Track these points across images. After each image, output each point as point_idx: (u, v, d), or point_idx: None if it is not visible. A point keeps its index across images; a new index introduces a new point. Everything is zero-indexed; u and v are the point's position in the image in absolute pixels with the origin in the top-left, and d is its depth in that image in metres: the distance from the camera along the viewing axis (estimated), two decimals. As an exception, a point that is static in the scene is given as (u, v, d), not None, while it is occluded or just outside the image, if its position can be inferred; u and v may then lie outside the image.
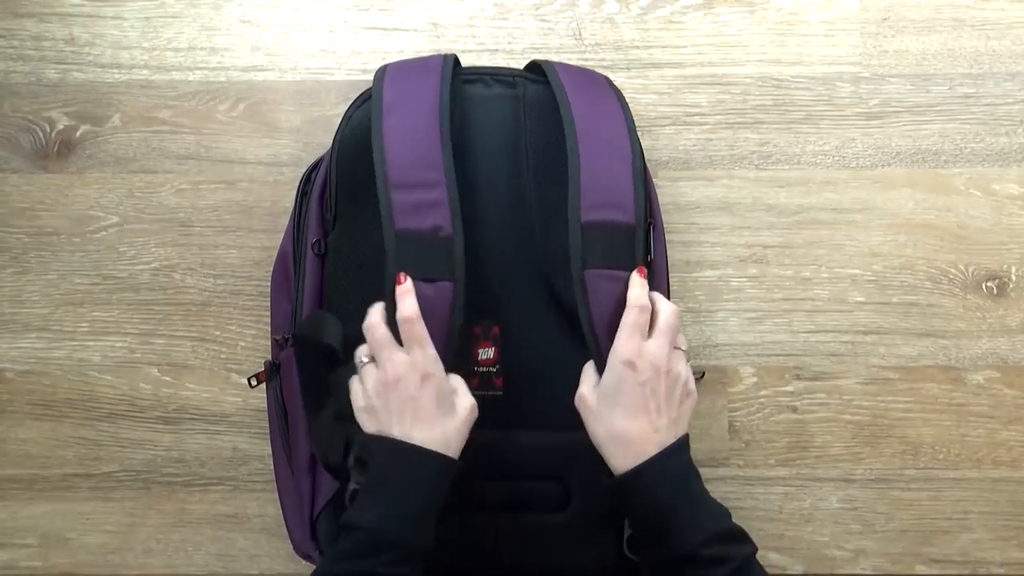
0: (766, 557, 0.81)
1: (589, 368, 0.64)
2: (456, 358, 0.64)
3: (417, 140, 0.65)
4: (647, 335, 0.62)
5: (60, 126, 0.85)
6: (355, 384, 0.63)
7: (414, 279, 0.62)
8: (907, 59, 0.85)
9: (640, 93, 0.85)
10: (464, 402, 0.63)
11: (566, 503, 0.70)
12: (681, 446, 0.62)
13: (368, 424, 0.62)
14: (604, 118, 0.69)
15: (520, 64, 0.79)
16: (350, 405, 0.63)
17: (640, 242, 0.65)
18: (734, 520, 0.61)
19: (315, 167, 0.77)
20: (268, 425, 0.80)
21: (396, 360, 0.61)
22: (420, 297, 0.62)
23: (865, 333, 0.84)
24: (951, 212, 0.84)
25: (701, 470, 0.64)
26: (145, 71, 0.86)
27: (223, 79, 0.85)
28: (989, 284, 0.84)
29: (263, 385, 0.78)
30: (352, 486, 0.63)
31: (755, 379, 0.84)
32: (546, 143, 0.70)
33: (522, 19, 0.86)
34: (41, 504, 0.84)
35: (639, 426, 0.60)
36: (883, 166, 0.85)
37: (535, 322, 0.69)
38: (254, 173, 0.85)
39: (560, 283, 0.69)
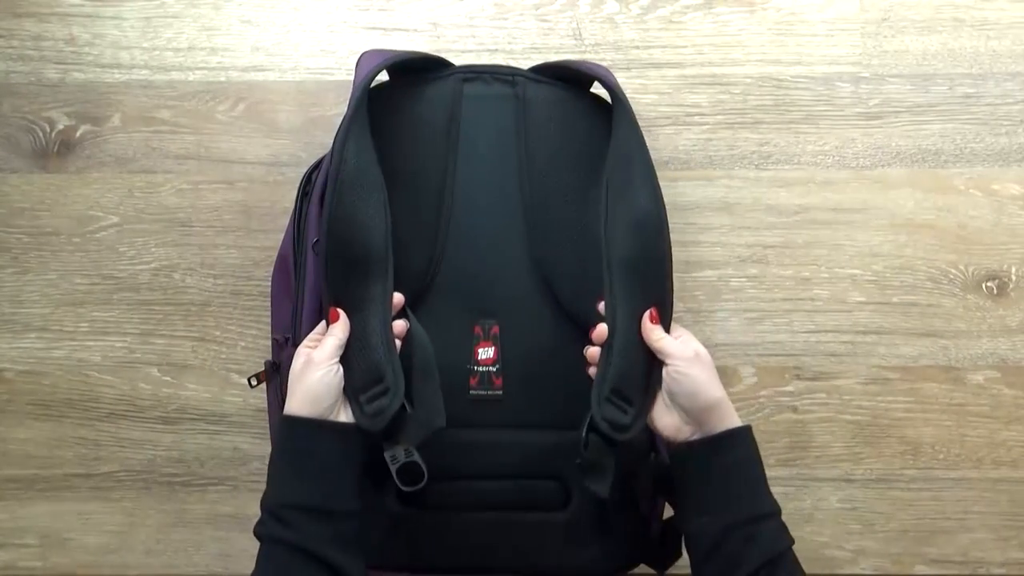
0: (766, 557, 0.82)
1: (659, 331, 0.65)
2: (454, 355, 0.66)
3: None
4: None
5: (60, 126, 0.85)
6: None
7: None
8: (907, 59, 0.85)
9: (640, 93, 0.85)
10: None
11: (566, 502, 0.70)
12: None
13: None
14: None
15: (520, 64, 0.78)
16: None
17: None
18: None
19: (315, 167, 0.77)
20: (268, 425, 0.80)
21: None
22: None
23: (865, 333, 0.84)
24: (951, 212, 0.84)
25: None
26: (145, 71, 0.86)
27: (223, 79, 0.85)
28: (989, 284, 0.84)
29: (263, 385, 0.78)
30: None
31: (755, 379, 0.84)
32: (544, 143, 0.71)
33: (522, 19, 0.86)
34: (41, 504, 0.84)
35: (724, 392, 0.63)
36: (883, 166, 0.85)
37: (535, 322, 0.69)
38: (254, 173, 0.85)
39: (560, 283, 0.69)
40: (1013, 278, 0.84)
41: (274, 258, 0.80)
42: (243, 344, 0.84)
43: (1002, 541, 0.84)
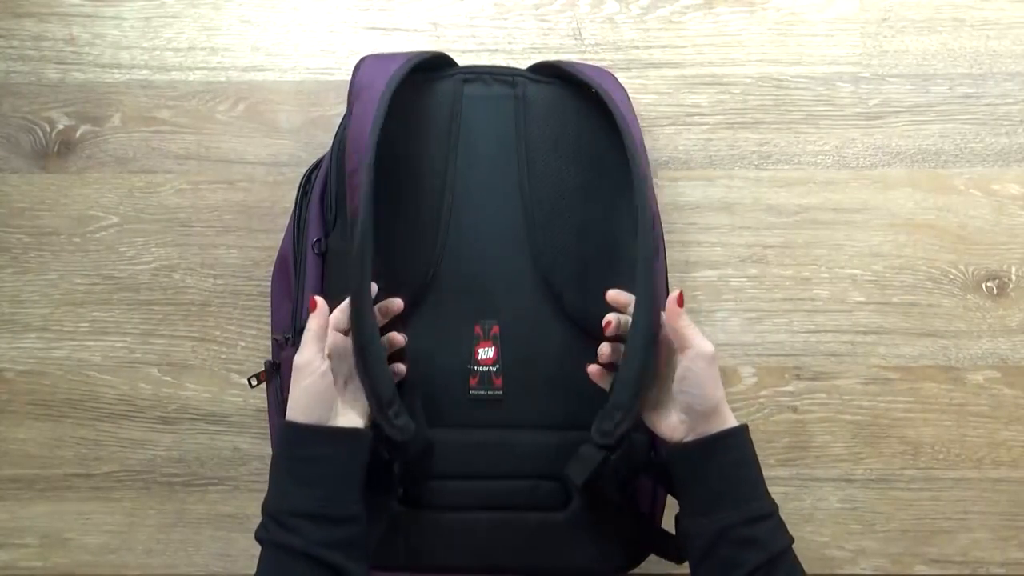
0: (766, 557, 0.82)
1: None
2: (454, 355, 0.67)
3: (365, 124, 0.65)
4: None
5: (60, 126, 0.85)
6: None
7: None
8: (907, 59, 0.85)
9: (640, 93, 0.85)
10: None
11: (566, 502, 0.70)
12: None
13: None
14: (636, 132, 0.71)
15: (520, 64, 0.79)
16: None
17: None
18: None
19: (315, 167, 0.77)
20: (268, 425, 0.80)
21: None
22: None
23: (865, 333, 0.84)
24: (951, 212, 0.84)
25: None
26: (145, 71, 0.86)
27: (223, 79, 0.86)
28: (989, 284, 0.84)
29: (263, 385, 0.78)
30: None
31: (755, 379, 0.84)
32: (544, 143, 0.71)
33: (522, 19, 0.86)
34: (41, 504, 0.84)
35: (723, 393, 0.63)
36: (883, 166, 0.85)
37: (535, 322, 0.69)
38: (254, 173, 0.85)
39: (561, 282, 0.69)
40: (1013, 278, 0.84)
41: (274, 258, 0.80)
42: (243, 344, 0.84)
43: (1002, 541, 0.84)
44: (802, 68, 0.85)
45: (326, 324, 0.63)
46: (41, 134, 0.85)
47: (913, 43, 0.85)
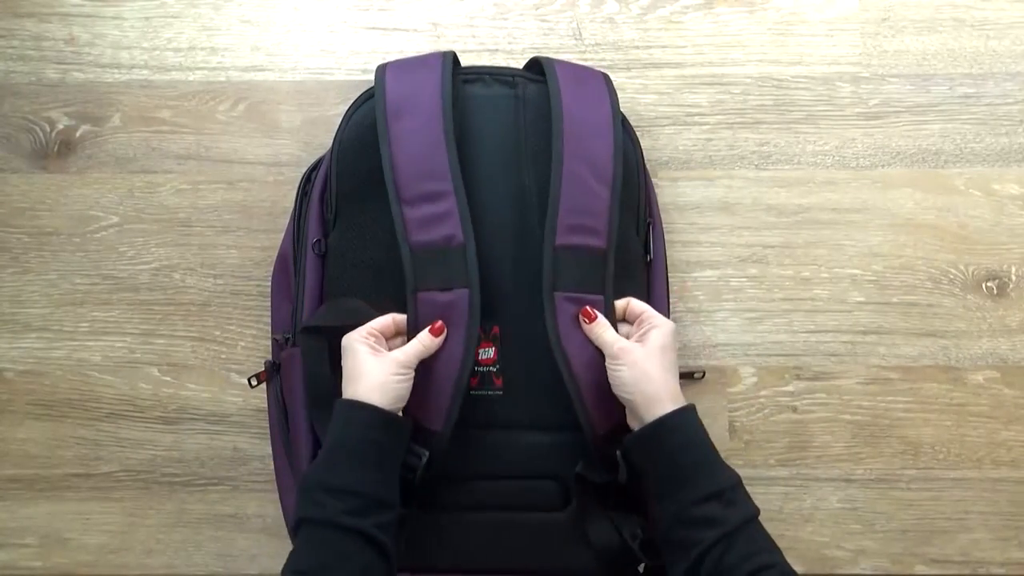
0: (766, 557, 0.81)
1: (604, 323, 0.66)
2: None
3: (423, 149, 0.67)
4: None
5: (60, 126, 0.85)
6: None
7: (430, 290, 0.65)
8: (907, 59, 0.85)
9: (640, 93, 0.85)
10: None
11: (566, 502, 0.70)
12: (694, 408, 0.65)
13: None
14: (595, 129, 0.69)
15: (520, 64, 0.79)
16: None
17: (611, 264, 0.68)
18: None
19: (315, 167, 0.77)
20: (268, 425, 0.80)
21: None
22: (438, 306, 0.65)
23: (865, 333, 0.84)
24: (951, 212, 0.84)
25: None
26: (145, 71, 0.86)
27: (223, 79, 0.85)
28: (989, 284, 0.84)
29: (263, 385, 0.78)
30: None
31: (755, 379, 0.84)
32: (545, 143, 0.71)
33: (522, 19, 0.86)
34: (41, 504, 0.84)
35: (671, 381, 0.64)
36: (883, 166, 0.85)
37: (535, 322, 0.69)
38: (254, 173, 0.85)
39: (562, 283, 0.69)
40: (1013, 278, 0.84)
41: (274, 258, 0.80)
42: (243, 344, 0.84)
43: (1002, 541, 0.84)
44: (802, 68, 0.85)
45: (430, 353, 0.65)
46: (41, 134, 0.85)
47: (913, 43, 0.85)
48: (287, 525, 0.77)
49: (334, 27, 0.86)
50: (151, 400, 0.84)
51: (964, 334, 0.84)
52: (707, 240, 0.84)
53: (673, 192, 0.84)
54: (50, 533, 0.84)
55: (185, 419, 0.84)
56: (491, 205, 0.70)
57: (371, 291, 0.70)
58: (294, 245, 0.77)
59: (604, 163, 0.68)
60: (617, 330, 0.67)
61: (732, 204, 0.85)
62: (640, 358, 0.64)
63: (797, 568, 0.60)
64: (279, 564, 0.59)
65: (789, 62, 0.85)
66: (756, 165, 0.85)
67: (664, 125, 0.85)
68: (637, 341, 0.66)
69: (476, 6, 0.86)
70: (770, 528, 0.61)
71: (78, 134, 0.85)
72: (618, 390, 0.65)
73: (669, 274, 0.79)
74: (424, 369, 0.65)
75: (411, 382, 0.64)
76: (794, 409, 0.84)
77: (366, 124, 0.70)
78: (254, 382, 0.76)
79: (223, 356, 0.84)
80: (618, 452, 0.66)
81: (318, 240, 0.74)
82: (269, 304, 0.80)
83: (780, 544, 0.61)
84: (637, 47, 0.85)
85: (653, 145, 0.85)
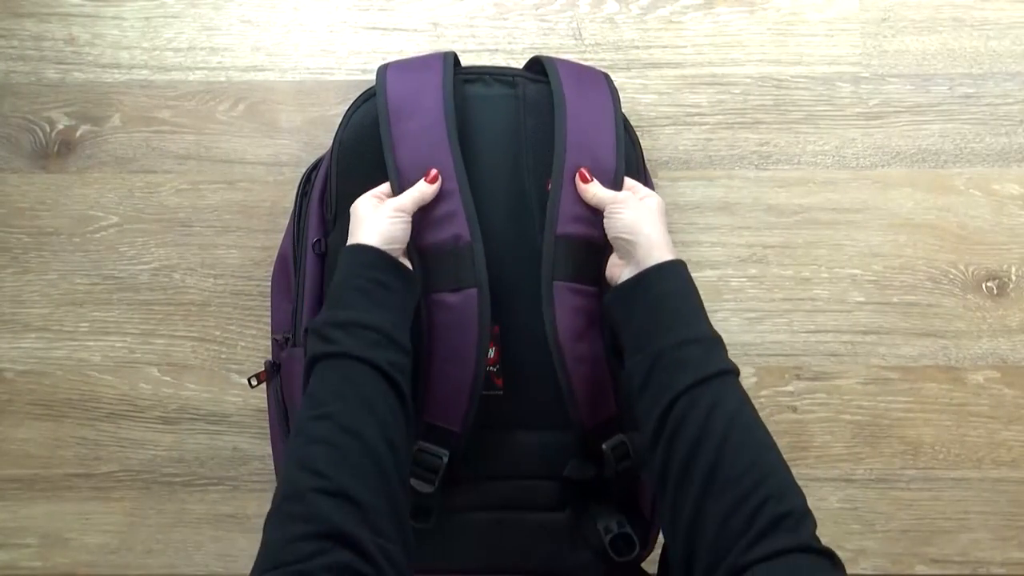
0: (766, 557, 0.81)
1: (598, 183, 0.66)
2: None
3: (427, 150, 0.67)
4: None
5: (60, 126, 0.85)
6: None
7: (440, 291, 0.65)
8: (907, 59, 0.85)
9: (640, 93, 0.85)
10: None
11: (566, 502, 0.70)
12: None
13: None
14: (597, 124, 0.69)
15: (520, 64, 0.79)
16: None
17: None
18: None
19: (315, 167, 0.77)
20: (268, 425, 0.80)
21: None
22: (447, 307, 0.65)
23: (865, 333, 0.84)
24: (951, 212, 0.84)
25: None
26: (145, 71, 0.86)
27: (223, 79, 0.86)
28: (989, 284, 0.84)
29: (263, 385, 0.78)
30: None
31: (755, 379, 0.84)
32: (546, 142, 0.71)
33: (522, 19, 0.86)
34: (41, 504, 0.84)
35: (667, 235, 0.64)
36: (883, 166, 0.85)
37: (535, 321, 0.69)
38: (254, 173, 0.85)
39: (562, 283, 0.69)
40: (1013, 278, 0.84)
41: (274, 258, 0.80)
42: (243, 344, 0.84)
43: (1002, 541, 0.84)
44: (802, 68, 0.85)
45: (427, 200, 0.65)
46: (41, 134, 0.85)
47: (913, 43, 0.85)
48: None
49: (334, 27, 0.86)
50: (151, 400, 0.84)
51: (964, 334, 0.84)
52: (707, 240, 0.84)
53: (673, 192, 0.84)
54: (50, 533, 0.84)
55: (185, 419, 0.84)
56: (491, 204, 0.70)
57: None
58: (294, 245, 0.77)
59: (607, 157, 0.68)
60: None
61: (732, 204, 0.85)
62: (639, 205, 0.65)
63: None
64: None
65: (789, 62, 0.85)
66: (756, 165, 0.85)
67: (664, 125, 0.85)
68: None
69: (476, 6, 0.86)
70: (770, 528, 0.61)
71: (78, 134, 0.85)
72: (618, 231, 0.64)
73: (669, 274, 0.79)
74: (439, 372, 0.65)
75: (408, 226, 0.64)
76: (794, 409, 0.84)
77: (366, 124, 0.70)
78: (254, 382, 0.76)
79: (223, 356, 0.84)
80: (604, 446, 0.66)
81: (318, 240, 0.74)
82: (269, 304, 0.80)
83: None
84: (637, 47, 0.85)
85: (653, 145, 0.85)
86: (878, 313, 0.84)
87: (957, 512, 0.84)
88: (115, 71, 0.86)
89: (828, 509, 0.83)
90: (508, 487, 0.70)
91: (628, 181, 0.68)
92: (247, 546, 0.83)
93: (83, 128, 0.85)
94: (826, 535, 0.83)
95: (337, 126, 0.74)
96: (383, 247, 0.62)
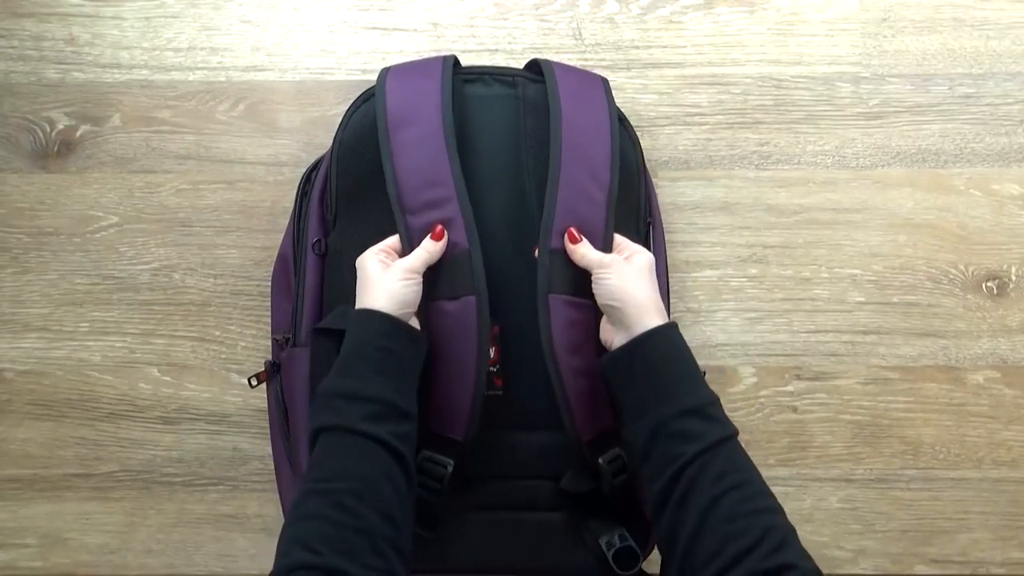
0: (766, 557, 0.81)
1: (588, 244, 0.66)
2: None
3: (426, 158, 0.66)
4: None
5: (60, 126, 0.85)
6: None
7: (438, 300, 0.65)
8: (907, 59, 0.85)
9: (640, 93, 0.85)
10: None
11: (564, 503, 0.70)
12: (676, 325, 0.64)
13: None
14: (592, 134, 0.69)
15: (520, 64, 0.78)
16: None
17: None
18: None
19: (315, 167, 0.77)
20: (268, 425, 0.80)
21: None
22: (445, 315, 0.65)
23: (865, 333, 0.84)
24: (951, 212, 0.84)
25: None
26: (145, 71, 0.86)
27: (223, 79, 0.85)
28: (989, 284, 0.84)
29: (263, 385, 0.78)
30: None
31: (755, 379, 0.84)
32: (546, 143, 0.71)
33: (522, 19, 0.86)
34: (41, 504, 0.84)
35: (656, 297, 0.64)
36: (883, 166, 0.85)
37: (535, 323, 0.69)
38: (254, 173, 0.85)
39: (562, 283, 0.69)
40: (1013, 278, 0.84)
41: (274, 258, 0.80)
42: (243, 344, 0.84)
43: (1002, 541, 0.84)
44: (802, 68, 0.85)
45: (436, 259, 0.65)
46: (41, 134, 0.85)
47: (913, 43, 0.85)
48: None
49: (334, 27, 0.86)
50: (151, 400, 0.84)
51: (964, 334, 0.84)
52: (707, 240, 0.84)
53: (673, 192, 0.85)
54: (50, 533, 0.84)
55: (185, 419, 0.84)
56: (491, 207, 0.70)
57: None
58: (294, 245, 0.77)
59: (601, 168, 0.68)
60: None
61: (732, 204, 0.85)
62: (626, 268, 0.64)
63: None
64: (279, 564, 0.59)
65: (789, 62, 0.85)
66: (756, 165, 0.85)
67: (664, 125, 0.85)
68: None
69: (476, 6, 0.86)
70: (770, 528, 0.61)
71: (78, 134, 0.85)
72: (605, 299, 0.64)
73: (669, 274, 0.79)
74: (440, 380, 0.65)
75: (420, 287, 0.63)
76: (794, 409, 0.84)
77: (366, 124, 0.70)
78: (254, 382, 0.76)
79: (223, 356, 0.84)
80: (600, 460, 0.66)
81: (318, 240, 0.74)
82: (269, 304, 0.80)
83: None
84: (637, 47, 0.85)
85: (653, 145, 0.85)
86: (878, 313, 0.84)
87: (957, 512, 0.84)
88: (115, 71, 0.86)
89: (828, 509, 0.83)
90: (507, 487, 0.70)
91: (617, 239, 0.67)
92: (247, 546, 0.83)
93: (83, 128, 0.85)
94: (826, 535, 0.84)
95: (337, 126, 0.74)
96: (395, 312, 0.62)
